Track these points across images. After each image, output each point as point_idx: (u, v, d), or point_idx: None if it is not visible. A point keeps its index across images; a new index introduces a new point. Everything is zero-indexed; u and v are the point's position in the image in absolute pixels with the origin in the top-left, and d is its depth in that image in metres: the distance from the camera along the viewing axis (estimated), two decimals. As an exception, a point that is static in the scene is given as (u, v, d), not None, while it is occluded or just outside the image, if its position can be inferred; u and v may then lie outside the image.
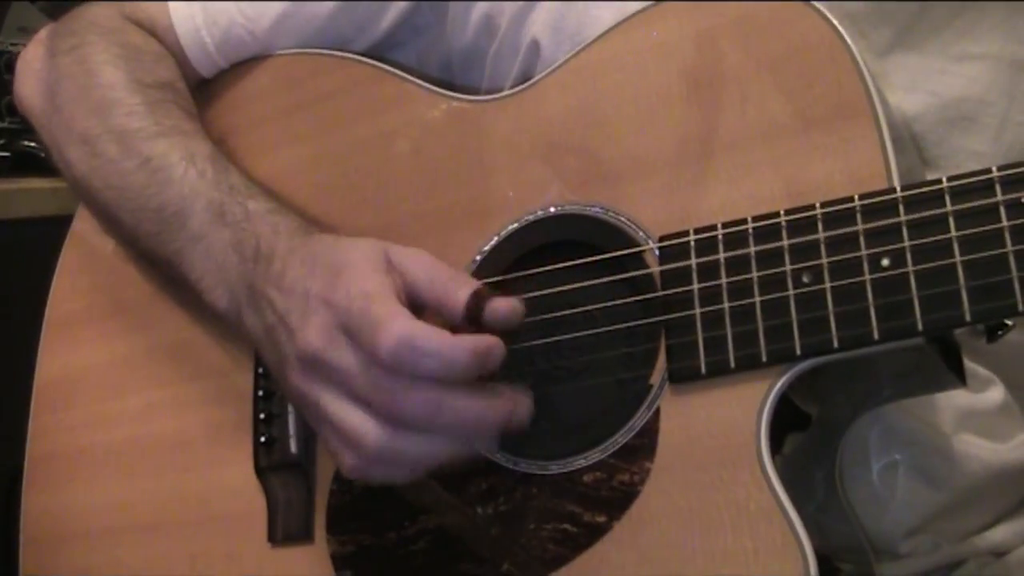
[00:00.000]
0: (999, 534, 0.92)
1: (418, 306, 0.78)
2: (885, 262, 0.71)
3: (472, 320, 0.78)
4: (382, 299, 0.75)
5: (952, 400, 0.88)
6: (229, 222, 0.87)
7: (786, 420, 0.77)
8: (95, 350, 1.03)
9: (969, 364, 0.80)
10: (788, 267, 0.74)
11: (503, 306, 0.78)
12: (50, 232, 1.09)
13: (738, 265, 0.75)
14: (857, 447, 0.86)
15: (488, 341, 0.75)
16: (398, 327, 0.73)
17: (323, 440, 0.80)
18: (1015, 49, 0.86)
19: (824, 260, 0.73)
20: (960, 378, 0.78)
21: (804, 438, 0.80)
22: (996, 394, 0.90)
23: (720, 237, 0.77)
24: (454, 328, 0.76)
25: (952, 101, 0.86)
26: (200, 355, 0.97)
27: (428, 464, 0.77)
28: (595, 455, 0.78)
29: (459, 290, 0.78)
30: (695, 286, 0.77)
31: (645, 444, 0.77)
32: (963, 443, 0.88)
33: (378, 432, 0.75)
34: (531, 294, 0.84)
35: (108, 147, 0.96)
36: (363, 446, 0.75)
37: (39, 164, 1.53)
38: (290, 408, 0.90)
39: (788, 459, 0.78)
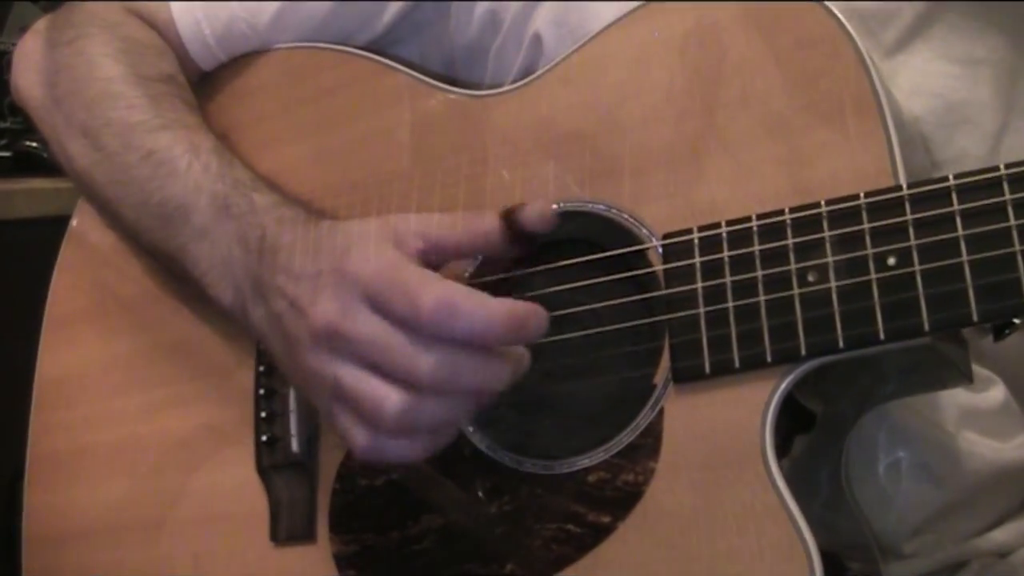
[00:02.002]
0: (1002, 535, 0.92)
1: (443, 263, 0.78)
2: (891, 261, 0.70)
3: (511, 238, 0.77)
4: (406, 265, 0.75)
5: (954, 398, 0.87)
6: (234, 215, 0.86)
7: (794, 421, 0.77)
8: (96, 348, 1.03)
9: None
10: (793, 266, 0.73)
11: (533, 211, 0.78)
12: (51, 232, 1.09)
13: (742, 263, 0.75)
14: (865, 446, 0.86)
15: (527, 306, 0.73)
16: (439, 288, 0.72)
17: (333, 422, 0.77)
18: (1017, 58, 0.85)
19: (829, 259, 0.72)
20: (966, 375, 0.77)
21: (809, 436, 0.80)
22: (997, 394, 0.90)
23: (724, 235, 0.76)
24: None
25: (956, 104, 0.85)
26: (201, 354, 0.96)
27: (444, 432, 0.75)
28: (599, 455, 0.78)
29: (485, 217, 0.78)
30: (699, 284, 0.76)
31: (649, 444, 0.76)
32: (966, 441, 0.88)
33: (397, 397, 0.72)
34: (533, 292, 0.83)
35: (110, 141, 0.95)
36: (382, 414, 0.72)
37: (40, 164, 1.53)
38: (292, 407, 0.90)
39: (793, 457, 0.77)
